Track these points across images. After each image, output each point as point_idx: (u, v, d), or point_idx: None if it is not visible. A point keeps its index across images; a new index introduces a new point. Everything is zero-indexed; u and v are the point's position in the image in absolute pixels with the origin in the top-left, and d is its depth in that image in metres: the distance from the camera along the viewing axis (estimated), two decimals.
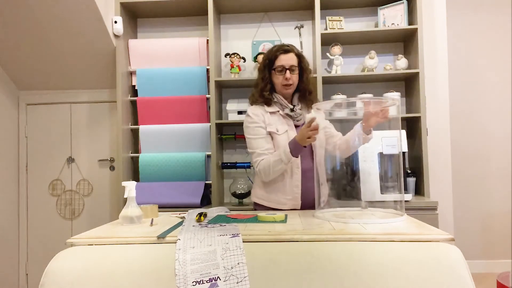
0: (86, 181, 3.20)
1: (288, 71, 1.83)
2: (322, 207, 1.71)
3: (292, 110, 1.88)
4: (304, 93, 1.92)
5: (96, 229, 1.42)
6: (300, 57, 1.90)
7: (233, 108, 2.89)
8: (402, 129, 2.82)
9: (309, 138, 1.63)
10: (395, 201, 1.60)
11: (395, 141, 2.53)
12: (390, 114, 1.71)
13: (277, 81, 1.87)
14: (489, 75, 3.58)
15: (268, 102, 1.90)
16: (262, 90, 1.89)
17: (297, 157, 1.77)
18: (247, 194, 2.84)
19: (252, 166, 2.87)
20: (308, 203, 1.85)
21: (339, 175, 1.94)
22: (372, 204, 1.70)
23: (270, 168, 1.78)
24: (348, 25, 2.97)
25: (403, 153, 2.55)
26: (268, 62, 1.89)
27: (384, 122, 1.69)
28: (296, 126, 1.89)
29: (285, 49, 1.87)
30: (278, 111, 1.89)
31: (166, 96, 2.90)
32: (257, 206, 1.97)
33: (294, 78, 1.86)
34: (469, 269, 1.10)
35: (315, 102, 1.94)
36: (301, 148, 1.71)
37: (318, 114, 1.68)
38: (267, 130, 1.85)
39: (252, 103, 1.95)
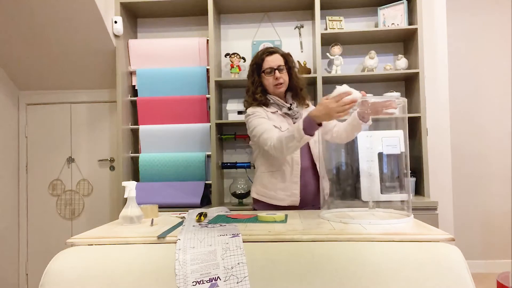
0: (86, 181, 3.20)
1: (277, 71, 1.87)
2: (326, 200, 1.72)
3: (289, 108, 1.91)
4: (296, 90, 1.95)
5: (96, 229, 1.42)
6: (285, 56, 1.94)
7: (233, 108, 2.89)
8: (401, 129, 2.82)
9: (339, 113, 1.41)
10: (402, 201, 1.59)
11: (395, 141, 2.53)
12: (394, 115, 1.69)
13: (268, 83, 1.91)
14: (489, 75, 3.58)
15: (264, 104, 1.92)
16: (254, 93, 1.92)
17: (312, 135, 1.56)
18: (247, 194, 2.84)
19: (254, 164, 2.88)
20: (306, 200, 1.87)
21: (340, 175, 1.94)
22: (374, 204, 1.70)
23: (283, 144, 1.64)
24: (348, 25, 2.97)
25: (403, 153, 2.55)
26: (256, 66, 1.93)
27: (386, 119, 1.70)
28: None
29: (270, 51, 1.93)
30: (277, 111, 1.92)
31: (166, 96, 2.90)
32: (256, 202, 1.97)
33: (284, 76, 1.90)
34: (469, 269, 1.10)
35: (306, 98, 1.98)
36: (316, 126, 1.52)
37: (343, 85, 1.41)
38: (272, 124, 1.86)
39: (248, 106, 1.96)
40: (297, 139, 1.58)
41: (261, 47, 2.96)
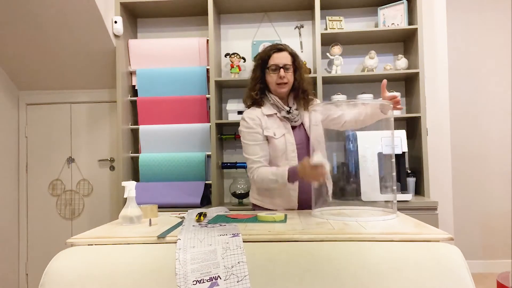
0: (86, 181, 3.20)
1: (282, 70, 1.79)
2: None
3: (288, 112, 1.83)
4: (299, 92, 1.86)
5: (96, 229, 1.42)
6: (293, 56, 1.86)
7: (233, 108, 2.89)
8: (402, 129, 2.83)
9: (312, 180, 1.57)
10: (386, 201, 1.60)
11: (396, 141, 2.53)
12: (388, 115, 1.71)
13: (271, 80, 1.82)
14: (489, 75, 3.58)
15: (259, 103, 1.85)
16: (251, 90, 1.85)
17: (293, 183, 1.75)
18: (247, 194, 2.84)
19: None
20: (305, 205, 1.82)
21: (338, 174, 1.94)
22: (371, 203, 1.71)
23: (264, 182, 1.76)
24: (348, 25, 2.97)
25: (403, 153, 2.56)
26: (261, 61, 1.84)
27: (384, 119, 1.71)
28: (293, 128, 1.86)
29: (279, 47, 1.83)
30: (276, 113, 1.84)
31: (166, 96, 2.90)
32: (255, 207, 1.96)
33: (288, 76, 1.81)
34: (469, 269, 1.10)
35: (311, 101, 1.89)
36: (299, 178, 1.67)
37: (318, 154, 1.54)
38: (264, 134, 1.81)
39: (246, 105, 1.92)
40: (280, 184, 1.72)
41: (261, 47, 2.96)
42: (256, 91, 1.85)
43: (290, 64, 1.83)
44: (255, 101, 1.87)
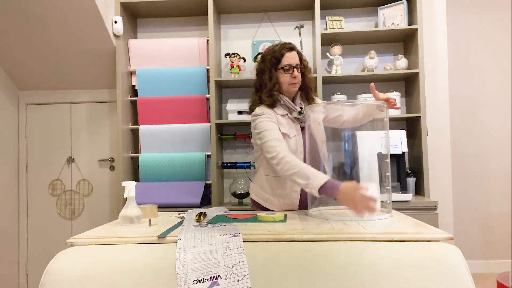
0: (86, 181, 3.20)
1: (295, 70, 1.79)
2: (315, 199, 1.72)
3: (300, 113, 1.81)
4: (307, 90, 1.87)
5: (96, 229, 1.42)
6: (300, 55, 1.87)
7: (233, 108, 2.89)
8: (402, 129, 2.83)
9: (361, 211, 1.37)
10: (382, 201, 1.61)
11: (396, 141, 2.54)
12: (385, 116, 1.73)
13: (284, 80, 1.80)
14: (489, 75, 3.58)
15: (275, 104, 1.81)
16: (272, 90, 1.79)
17: (319, 195, 1.49)
18: (247, 194, 2.84)
19: (254, 164, 2.88)
20: (305, 206, 1.79)
21: (337, 174, 1.94)
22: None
23: (289, 172, 1.57)
24: (348, 25, 2.97)
25: (403, 153, 2.56)
26: (275, 61, 1.81)
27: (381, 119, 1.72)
28: (302, 128, 1.84)
29: (290, 47, 1.83)
30: (287, 114, 1.82)
31: (166, 96, 2.90)
32: (255, 203, 1.94)
33: (299, 76, 1.81)
34: (469, 269, 1.10)
35: (315, 98, 1.91)
36: (332, 196, 1.45)
37: (374, 187, 1.39)
38: (281, 130, 1.76)
39: (256, 105, 1.84)
40: (307, 186, 1.51)
41: (261, 47, 2.97)
42: (277, 91, 1.80)
43: (299, 63, 1.83)
44: (273, 101, 1.80)
